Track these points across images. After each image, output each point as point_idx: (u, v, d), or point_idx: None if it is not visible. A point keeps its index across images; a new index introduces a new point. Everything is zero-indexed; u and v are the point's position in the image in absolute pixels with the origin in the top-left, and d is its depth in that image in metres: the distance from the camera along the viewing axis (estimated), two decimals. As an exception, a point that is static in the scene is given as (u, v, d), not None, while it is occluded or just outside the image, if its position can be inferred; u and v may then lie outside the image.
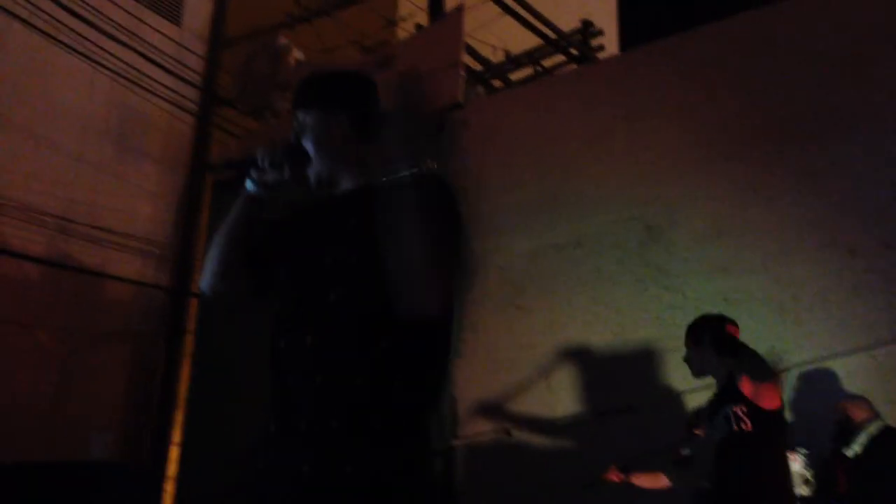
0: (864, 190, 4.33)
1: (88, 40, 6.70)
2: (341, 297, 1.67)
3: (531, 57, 7.78)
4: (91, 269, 7.01)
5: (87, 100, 7.23)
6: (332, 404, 1.60)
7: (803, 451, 3.64)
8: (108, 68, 6.89)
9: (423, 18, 7.62)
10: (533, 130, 5.69)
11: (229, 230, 1.74)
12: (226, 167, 1.86)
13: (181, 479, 7.15)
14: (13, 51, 6.66)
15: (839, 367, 4.14)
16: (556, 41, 7.76)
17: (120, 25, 6.93)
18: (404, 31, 7.93)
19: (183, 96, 7.58)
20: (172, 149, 7.96)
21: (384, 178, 1.63)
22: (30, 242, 6.59)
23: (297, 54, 7.71)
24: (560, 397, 5.06)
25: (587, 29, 7.94)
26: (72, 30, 6.59)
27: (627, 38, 11.77)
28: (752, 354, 3.17)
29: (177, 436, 7.40)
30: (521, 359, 5.25)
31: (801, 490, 3.61)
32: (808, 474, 3.63)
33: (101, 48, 6.80)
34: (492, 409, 5.27)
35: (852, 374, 4.09)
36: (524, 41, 7.94)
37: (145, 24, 7.37)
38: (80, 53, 6.68)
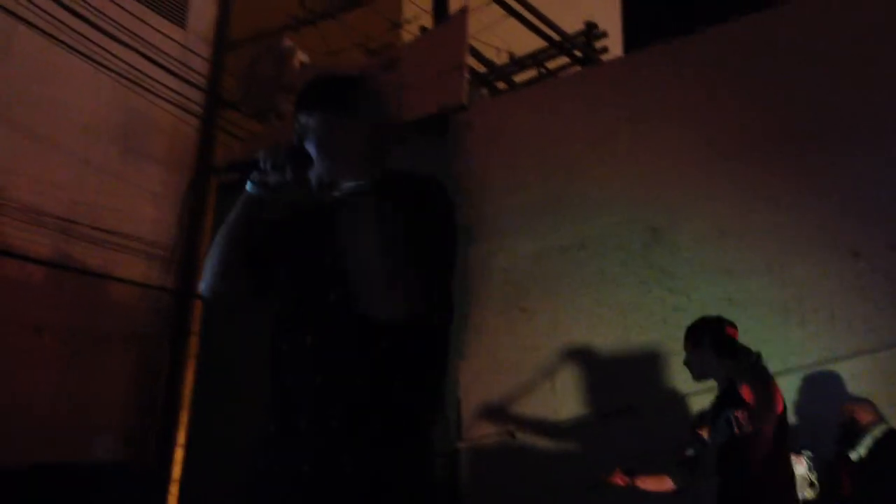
0: (868, 191, 4.32)
1: (93, 42, 6.72)
2: (341, 297, 1.67)
3: (535, 59, 7.78)
4: (95, 271, 7.02)
5: (92, 102, 7.24)
6: (332, 404, 1.61)
7: (808, 453, 3.64)
8: (112, 70, 6.90)
9: (427, 21, 7.63)
10: (537, 132, 5.69)
11: (230, 230, 1.74)
12: (229, 169, 1.86)
13: (185, 481, 7.15)
14: (18, 53, 6.68)
15: (843, 369, 4.13)
16: (560, 43, 7.76)
17: (124, 28, 6.94)
18: (409, 33, 7.93)
19: (187, 99, 7.59)
20: (177, 151, 7.97)
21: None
22: (33, 244, 6.60)
23: (301, 57, 7.72)
24: (564, 399, 5.06)
25: (591, 31, 7.94)
26: (76, 32, 6.60)
27: (631, 40, 11.76)
28: (751, 359, 3.17)
29: (181, 437, 7.40)
30: (524, 361, 5.25)
31: (806, 493, 3.61)
32: (812, 477, 3.63)
33: (106, 50, 6.81)
34: (496, 412, 5.27)
35: (856, 376, 4.08)
36: (528, 43, 7.93)
37: (150, 26, 7.38)
38: (85, 56, 6.69)
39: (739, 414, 3.04)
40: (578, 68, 7.63)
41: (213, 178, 7.91)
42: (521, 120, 5.83)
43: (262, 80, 7.65)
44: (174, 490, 7.26)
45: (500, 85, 7.60)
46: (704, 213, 4.81)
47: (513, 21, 7.60)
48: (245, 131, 7.94)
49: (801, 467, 3.56)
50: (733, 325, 3.38)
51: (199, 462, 6.91)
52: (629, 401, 4.70)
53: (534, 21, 7.64)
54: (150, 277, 7.54)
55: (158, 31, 7.46)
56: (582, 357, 5.07)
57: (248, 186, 1.68)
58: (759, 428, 3.05)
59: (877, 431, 3.68)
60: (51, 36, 6.48)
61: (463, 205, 5.60)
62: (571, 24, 8.17)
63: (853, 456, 3.67)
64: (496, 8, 7.36)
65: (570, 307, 5.18)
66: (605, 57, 7.85)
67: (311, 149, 1.72)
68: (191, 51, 7.96)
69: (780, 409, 3.14)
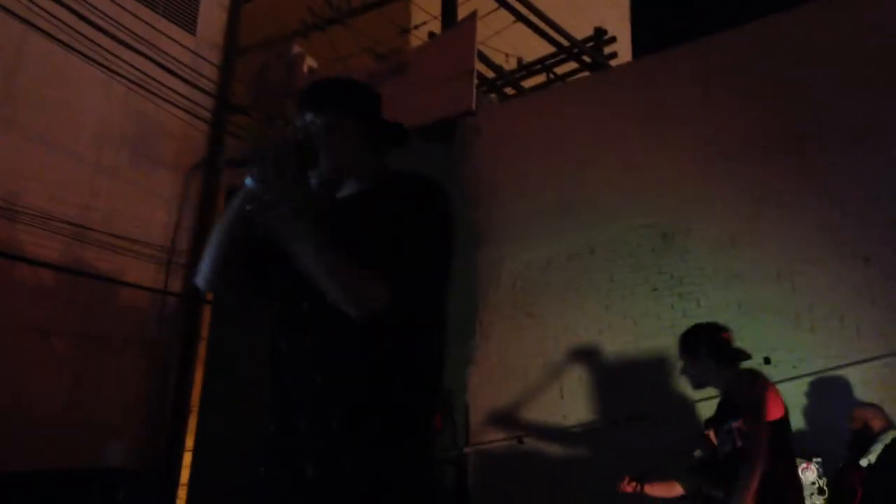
0: (879, 199, 4.31)
1: (105, 49, 6.77)
2: None
3: (544, 64, 7.80)
4: (106, 276, 7.07)
5: (103, 108, 7.30)
6: (332, 404, 1.60)
7: (817, 459, 3.61)
8: (123, 77, 6.96)
9: (436, 26, 7.64)
10: (545, 138, 5.69)
11: (227, 225, 1.74)
12: (231, 164, 1.85)
13: (194, 486, 7.16)
14: (31, 60, 6.74)
15: (854, 375, 4.11)
16: (569, 49, 7.77)
17: (136, 35, 6.99)
18: (417, 39, 7.96)
19: (197, 104, 7.63)
20: (187, 156, 8.01)
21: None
22: (45, 249, 6.65)
23: (310, 62, 7.75)
24: (572, 405, 5.05)
25: (600, 36, 7.95)
26: (88, 39, 6.65)
27: (640, 45, 11.76)
28: (748, 371, 3.12)
29: (190, 442, 7.42)
30: (533, 366, 5.24)
31: (816, 500, 3.59)
32: (822, 483, 3.60)
33: (118, 57, 6.86)
34: (504, 417, 5.26)
35: (867, 382, 4.06)
36: (536, 49, 7.95)
37: (161, 33, 7.43)
38: (97, 62, 6.74)
39: (739, 426, 3.00)
40: (587, 74, 7.64)
41: (222, 182, 7.94)
42: (529, 125, 5.84)
43: (272, 86, 7.69)
44: (183, 494, 7.27)
45: (509, 90, 7.61)
46: (715, 220, 4.80)
47: (521, 26, 7.62)
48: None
49: (811, 474, 3.54)
50: (728, 330, 3.28)
51: (207, 466, 6.92)
52: (638, 406, 4.68)
53: (542, 26, 7.65)
54: (159, 282, 7.57)
55: (169, 37, 7.51)
56: (590, 363, 5.06)
57: (248, 182, 1.68)
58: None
59: (887, 438, 3.67)
60: (63, 43, 6.53)
61: (471, 210, 5.61)
62: (580, 30, 8.18)
63: (864, 462, 3.65)
64: (505, 13, 7.38)
65: (579, 313, 5.18)
66: (614, 62, 7.85)
67: (312, 148, 1.73)
68: (201, 57, 8.00)
69: (778, 414, 3.06)
